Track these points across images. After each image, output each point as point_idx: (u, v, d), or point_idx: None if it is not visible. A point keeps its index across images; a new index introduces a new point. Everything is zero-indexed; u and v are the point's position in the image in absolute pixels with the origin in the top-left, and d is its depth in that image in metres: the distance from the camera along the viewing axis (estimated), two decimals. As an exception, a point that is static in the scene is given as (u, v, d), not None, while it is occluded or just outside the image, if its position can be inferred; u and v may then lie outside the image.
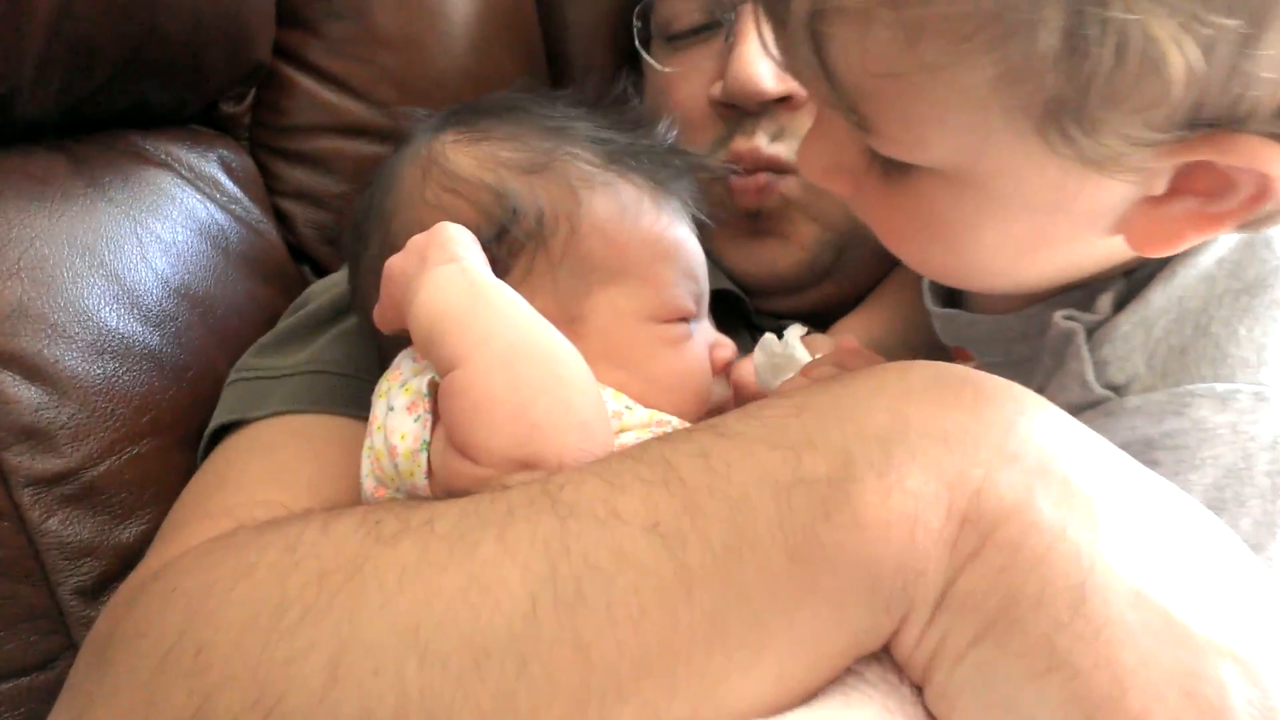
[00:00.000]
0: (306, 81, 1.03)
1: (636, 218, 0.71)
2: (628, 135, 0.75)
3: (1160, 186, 0.51)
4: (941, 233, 0.56)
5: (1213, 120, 0.47)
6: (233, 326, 0.86)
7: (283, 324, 0.86)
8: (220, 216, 0.93)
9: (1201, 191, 0.50)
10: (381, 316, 0.65)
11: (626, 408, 0.65)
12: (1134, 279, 0.57)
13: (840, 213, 0.91)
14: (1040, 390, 0.52)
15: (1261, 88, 0.46)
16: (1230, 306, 0.55)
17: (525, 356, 0.57)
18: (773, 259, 0.93)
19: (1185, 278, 0.56)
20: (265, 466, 0.71)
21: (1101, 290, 0.57)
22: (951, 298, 0.70)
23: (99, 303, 0.79)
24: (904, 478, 0.46)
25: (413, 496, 0.59)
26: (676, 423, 0.65)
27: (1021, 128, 0.48)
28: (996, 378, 0.51)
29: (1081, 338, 0.56)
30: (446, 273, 0.60)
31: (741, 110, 0.89)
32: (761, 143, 0.89)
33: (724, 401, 0.74)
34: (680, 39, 0.95)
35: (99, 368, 0.77)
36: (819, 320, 0.94)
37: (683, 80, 0.94)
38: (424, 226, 0.65)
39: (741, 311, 0.95)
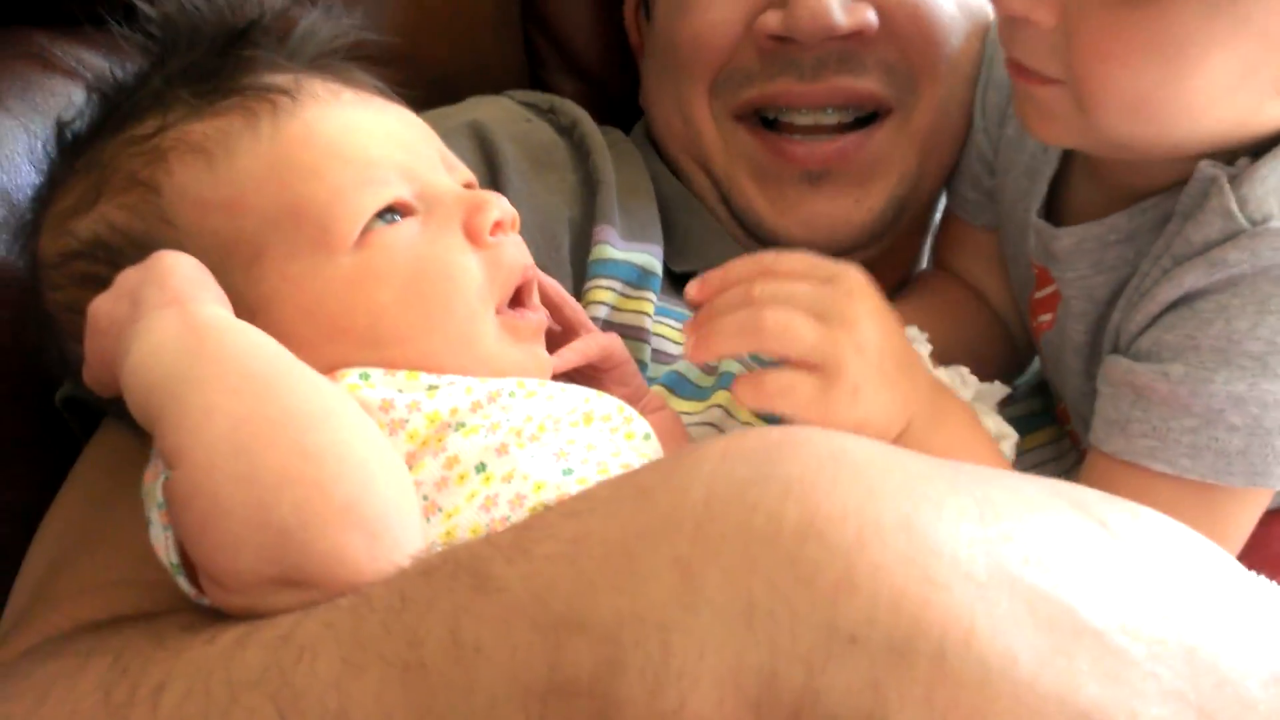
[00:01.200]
0: (248, -19, 0.90)
1: (233, 155, 0.56)
2: (173, 57, 0.60)
3: None
4: (1172, 53, 0.59)
5: None
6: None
7: None
8: (138, 135, 0.81)
9: None
10: (93, 377, 0.54)
11: (398, 391, 0.53)
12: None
13: (911, 163, 0.86)
14: (1162, 253, 0.63)
15: None
16: None
17: (259, 434, 0.45)
18: (831, 222, 0.86)
19: None
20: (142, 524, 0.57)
21: (1237, 157, 0.63)
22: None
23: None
24: (687, 693, 0.35)
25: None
26: (461, 393, 0.54)
27: None
28: (857, 452, 0.40)
29: (1224, 180, 0.62)
30: (161, 322, 0.48)
31: (794, 46, 0.81)
32: (845, 80, 0.82)
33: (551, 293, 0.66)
34: None
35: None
36: None
37: (715, 4, 0.84)
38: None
39: None
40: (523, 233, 0.76)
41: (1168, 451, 0.62)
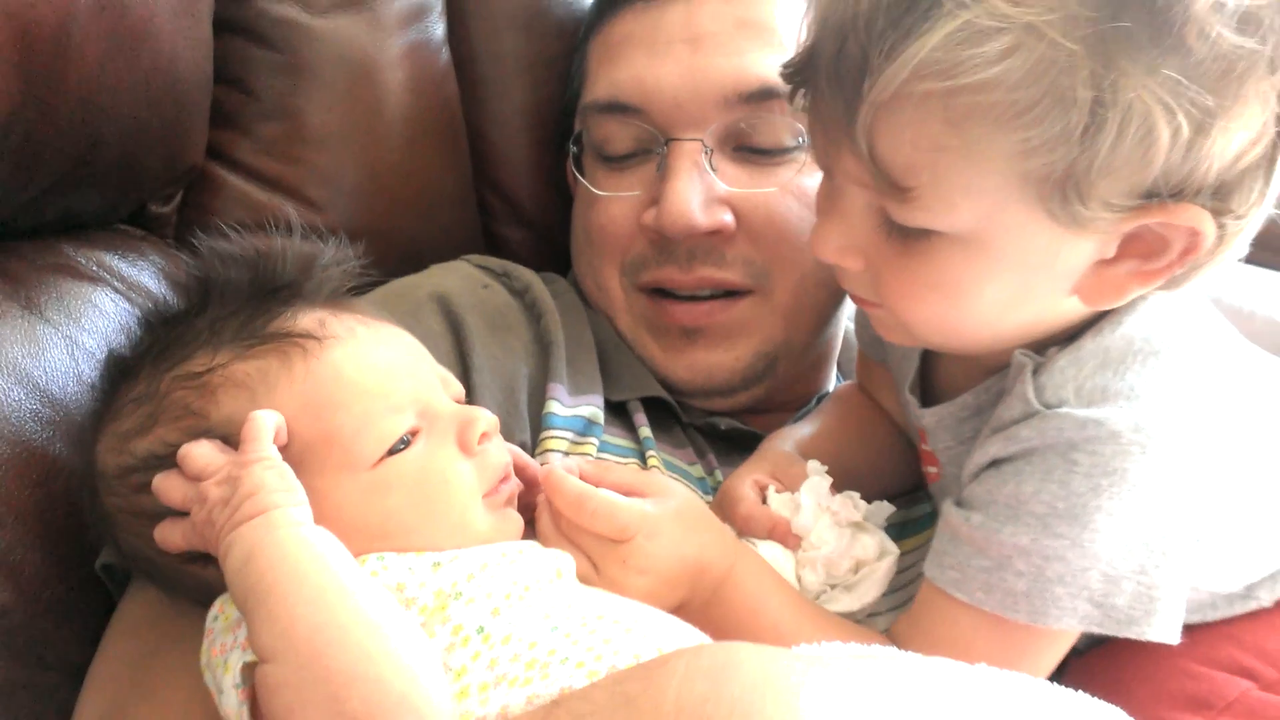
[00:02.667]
0: (235, 180, 1.04)
1: (272, 391, 0.68)
2: (225, 301, 0.72)
3: (1111, 250, 0.67)
4: (950, 289, 0.70)
5: (1166, 191, 0.63)
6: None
7: None
8: (155, 328, 0.93)
9: (1141, 254, 0.67)
10: (168, 539, 0.66)
11: (409, 570, 0.65)
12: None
13: (777, 330, 1.01)
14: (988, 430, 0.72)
15: (1208, 162, 0.62)
16: (1143, 364, 0.70)
17: (332, 640, 0.56)
18: (709, 368, 1.01)
19: (1111, 337, 0.71)
20: (188, 680, 0.67)
21: (1048, 347, 0.73)
22: (920, 394, 0.85)
23: (35, 428, 0.80)
24: None
25: None
26: (460, 567, 0.65)
27: (1029, 195, 0.64)
28: (779, 672, 0.53)
29: (1029, 369, 0.72)
30: (253, 535, 0.60)
31: (669, 240, 0.96)
32: (709, 271, 0.96)
33: (525, 490, 0.76)
34: (614, 160, 1.01)
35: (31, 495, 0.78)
36: (744, 416, 1.03)
37: (615, 202, 1.00)
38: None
39: (672, 411, 1.01)
40: (486, 391, 0.92)
41: (967, 584, 0.72)
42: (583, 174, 1.04)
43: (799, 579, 0.83)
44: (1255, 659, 0.77)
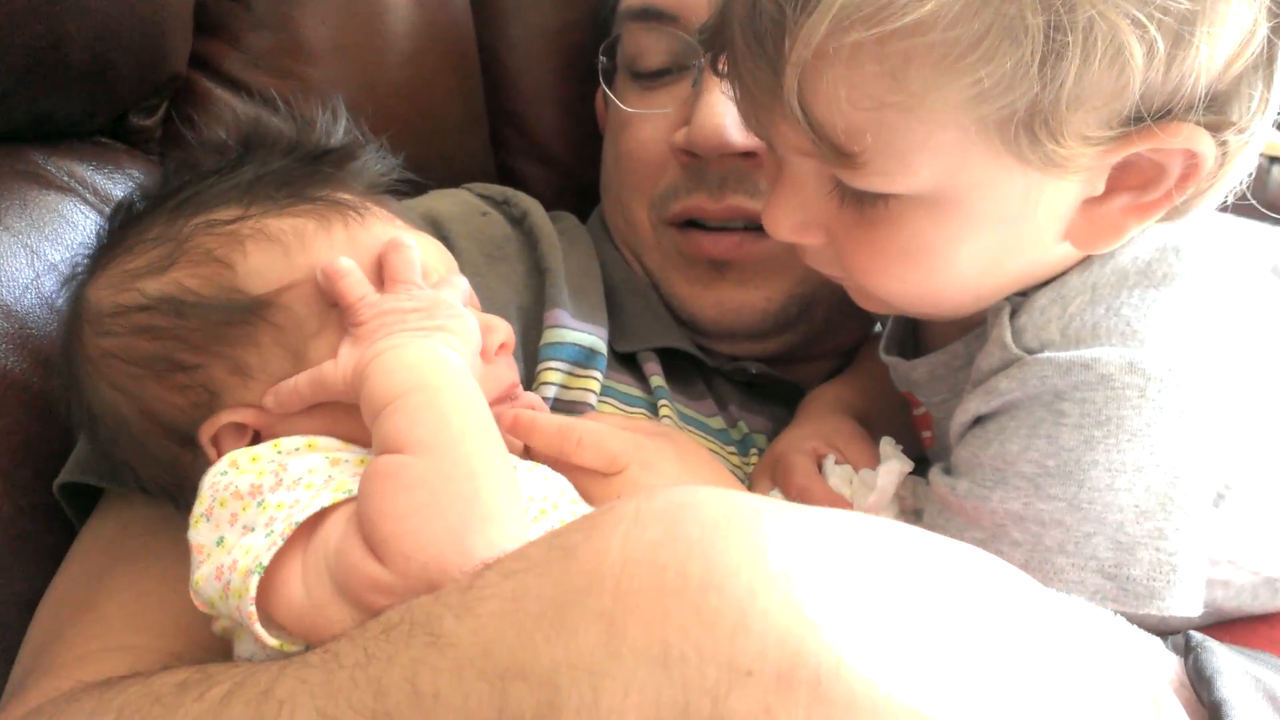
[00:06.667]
0: (224, 94, 0.98)
1: (307, 249, 0.65)
2: (264, 161, 0.69)
3: (1099, 187, 0.60)
4: (922, 256, 0.62)
5: (1150, 113, 0.55)
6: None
7: None
8: (128, 244, 0.87)
9: (1135, 185, 0.60)
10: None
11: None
12: None
13: (812, 271, 0.91)
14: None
15: (1194, 75, 0.54)
16: (1140, 296, 0.62)
17: (481, 443, 0.55)
18: (737, 307, 0.92)
19: (1101, 270, 0.63)
20: (130, 596, 0.64)
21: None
22: (903, 350, 0.77)
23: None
24: None
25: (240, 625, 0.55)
26: None
27: (994, 141, 0.56)
28: (745, 512, 0.45)
29: (1006, 312, 0.64)
30: (431, 346, 0.60)
31: (702, 161, 0.88)
32: (741, 200, 0.87)
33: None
34: (646, 78, 0.93)
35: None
36: (776, 364, 0.95)
37: (646, 121, 0.92)
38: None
39: (692, 361, 0.94)
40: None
41: None
42: (613, 95, 0.96)
43: None
44: None
